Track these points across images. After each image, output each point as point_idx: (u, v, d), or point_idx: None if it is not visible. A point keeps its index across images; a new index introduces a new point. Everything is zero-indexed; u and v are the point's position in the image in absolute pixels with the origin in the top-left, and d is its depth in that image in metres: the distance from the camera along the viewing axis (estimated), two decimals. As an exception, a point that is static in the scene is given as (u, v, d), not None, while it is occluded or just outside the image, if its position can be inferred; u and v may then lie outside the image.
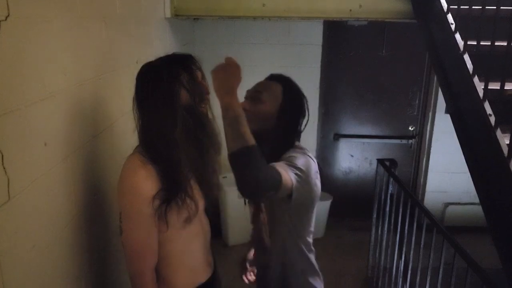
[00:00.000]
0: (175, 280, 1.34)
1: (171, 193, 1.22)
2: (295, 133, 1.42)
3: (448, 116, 1.89)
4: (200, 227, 1.38)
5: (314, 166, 1.36)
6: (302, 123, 1.44)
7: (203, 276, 1.41)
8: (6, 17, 0.92)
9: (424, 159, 3.78)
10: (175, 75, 1.20)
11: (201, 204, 1.35)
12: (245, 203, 1.58)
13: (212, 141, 1.33)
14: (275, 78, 1.43)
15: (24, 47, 1.00)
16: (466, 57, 1.72)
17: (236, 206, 3.36)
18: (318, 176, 1.39)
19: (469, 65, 1.69)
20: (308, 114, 1.46)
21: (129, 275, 1.28)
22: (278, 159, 1.31)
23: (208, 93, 1.30)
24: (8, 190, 0.93)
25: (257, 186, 1.11)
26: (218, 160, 1.39)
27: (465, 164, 1.63)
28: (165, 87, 1.19)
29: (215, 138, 1.34)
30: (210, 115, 1.32)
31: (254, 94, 1.38)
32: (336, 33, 3.60)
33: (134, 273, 1.27)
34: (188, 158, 1.26)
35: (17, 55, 0.97)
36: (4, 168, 0.91)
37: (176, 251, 1.32)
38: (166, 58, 1.26)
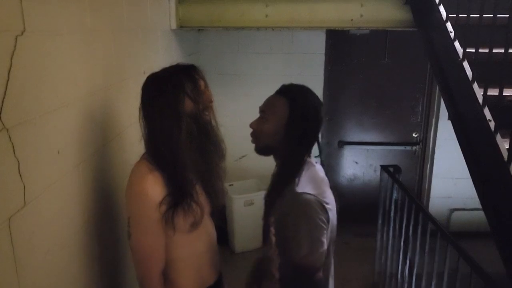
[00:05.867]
0: (182, 284, 1.37)
1: (177, 199, 1.26)
2: (304, 148, 1.34)
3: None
4: (206, 231, 1.41)
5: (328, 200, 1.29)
6: (313, 135, 1.36)
7: (210, 279, 1.44)
8: (22, 32, 0.97)
9: (428, 165, 3.79)
10: (179, 85, 1.24)
11: (206, 209, 1.38)
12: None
13: (216, 147, 1.37)
14: (282, 92, 1.36)
15: (38, 59, 1.05)
16: (466, 64, 1.75)
17: (242, 213, 3.39)
18: (331, 207, 1.30)
19: (469, 72, 1.72)
20: (320, 124, 1.36)
21: (137, 278, 1.31)
22: (288, 176, 1.30)
23: (211, 101, 1.34)
24: (24, 196, 0.97)
25: None
26: (223, 167, 1.43)
27: (469, 169, 1.65)
28: (170, 96, 1.23)
29: (219, 145, 1.37)
30: (213, 123, 1.35)
31: (260, 112, 1.37)
32: (339, 41, 3.65)
33: (142, 276, 1.30)
34: (193, 164, 1.29)
35: (32, 67, 1.02)
36: (20, 175, 0.96)
37: (183, 255, 1.35)
38: (170, 68, 1.30)
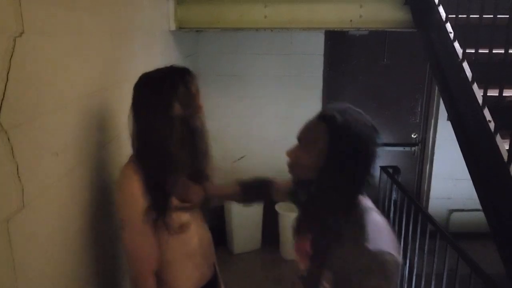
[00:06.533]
0: (175, 284, 1.37)
1: (167, 200, 1.27)
2: (354, 187, 1.10)
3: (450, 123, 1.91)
4: (198, 232, 1.42)
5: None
6: (363, 171, 1.09)
7: (203, 279, 1.45)
8: (21, 34, 0.97)
9: (428, 166, 3.80)
10: (172, 87, 1.24)
11: (197, 209, 1.40)
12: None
13: (205, 150, 1.37)
14: (322, 116, 1.11)
15: (37, 61, 1.04)
16: (465, 64, 1.76)
17: (240, 214, 3.38)
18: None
19: (468, 73, 1.72)
20: (372, 158, 1.09)
21: (131, 279, 1.32)
22: (350, 226, 1.08)
23: (201, 105, 1.34)
24: (23, 198, 0.97)
25: None
26: (211, 168, 1.44)
27: (468, 170, 1.66)
28: (162, 97, 1.23)
29: (207, 147, 1.38)
30: (202, 126, 1.35)
31: (297, 139, 1.16)
32: (338, 42, 3.65)
33: (136, 277, 1.31)
34: (182, 166, 1.30)
35: (30, 69, 1.01)
36: (18, 177, 0.95)
37: (176, 256, 1.36)
38: (164, 69, 1.30)
